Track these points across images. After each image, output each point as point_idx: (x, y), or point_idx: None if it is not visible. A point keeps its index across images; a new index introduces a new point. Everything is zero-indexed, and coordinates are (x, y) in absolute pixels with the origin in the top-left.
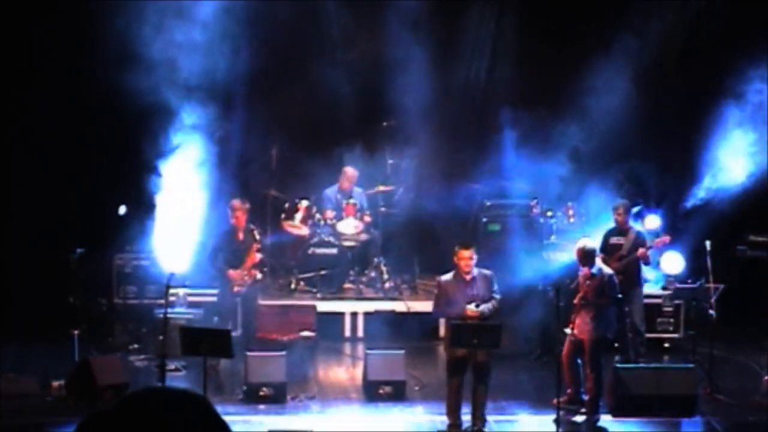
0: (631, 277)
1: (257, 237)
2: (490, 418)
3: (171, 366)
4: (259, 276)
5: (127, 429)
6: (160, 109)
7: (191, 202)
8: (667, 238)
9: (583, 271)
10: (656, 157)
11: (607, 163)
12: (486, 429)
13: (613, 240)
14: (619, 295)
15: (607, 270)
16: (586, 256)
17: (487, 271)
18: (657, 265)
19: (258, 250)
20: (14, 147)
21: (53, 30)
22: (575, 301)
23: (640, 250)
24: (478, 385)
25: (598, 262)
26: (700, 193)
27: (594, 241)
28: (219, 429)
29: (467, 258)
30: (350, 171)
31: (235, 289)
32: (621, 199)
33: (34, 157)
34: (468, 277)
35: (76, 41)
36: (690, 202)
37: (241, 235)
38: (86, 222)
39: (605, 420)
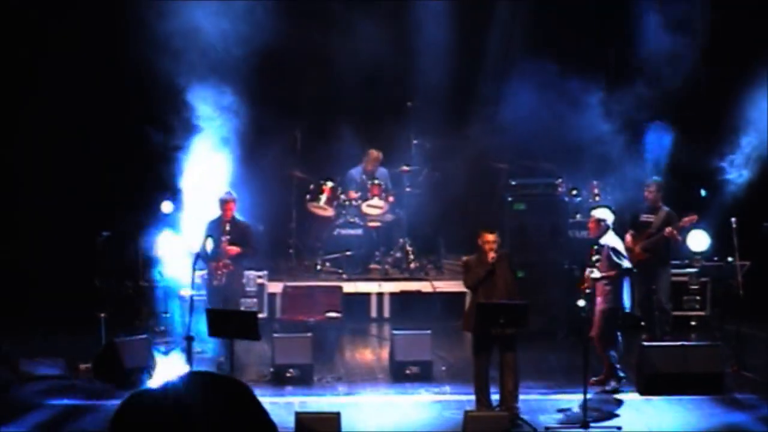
0: (659, 255)
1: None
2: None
3: (197, 349)
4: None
5: (172, 412)
6: (183, 90)
7: (215, 185)
8: (694, 217)
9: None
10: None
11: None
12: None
13: (644, 218)
14: (628, 266)
15: (610, 242)
16: (595, 227)
17: (507, 251)
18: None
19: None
20: (42, 130)
21: (73, 11)
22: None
23: (667, 229)
24: (506, 364)
25: (609, 235)
26: (732, 170)
27: (608, 213)
28: (260, 415)
29: (491, 242)
30: (374, 153)
31: (215, 282)
32: (653, 178)
33: (61, 140)
34: (491, 259)
35: (96, 22)
36: (725, 177)
37: (228, 228)
38: (113, 205)
39: (633, 398)
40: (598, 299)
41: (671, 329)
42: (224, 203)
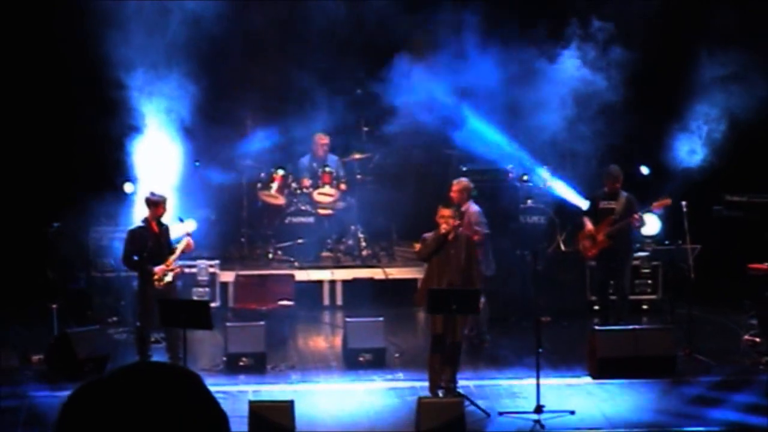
0: (624, 241)
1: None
2: (470, 383)
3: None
4: (180, 271)
5: (118, 402)
6: (135, 78)
7: (168, 173)
8: (668, 201)
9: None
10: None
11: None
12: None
13: (603, 204)
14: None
15: (474, 207)
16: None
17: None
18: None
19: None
20: None
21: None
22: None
23: (635, 216)
24: (449, 361)
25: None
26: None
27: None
28: (210, 405)
29: (446, 216)
30: (319, 136)
31: (156, 284)
32: (612, 164)
33: (9, 131)
34: (443, 231)
35: (52, 7)
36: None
37: (155, 228)
38: (63, 196)
39: (586, 383)
40: None
41: (627, 315)
42: (152, 204)
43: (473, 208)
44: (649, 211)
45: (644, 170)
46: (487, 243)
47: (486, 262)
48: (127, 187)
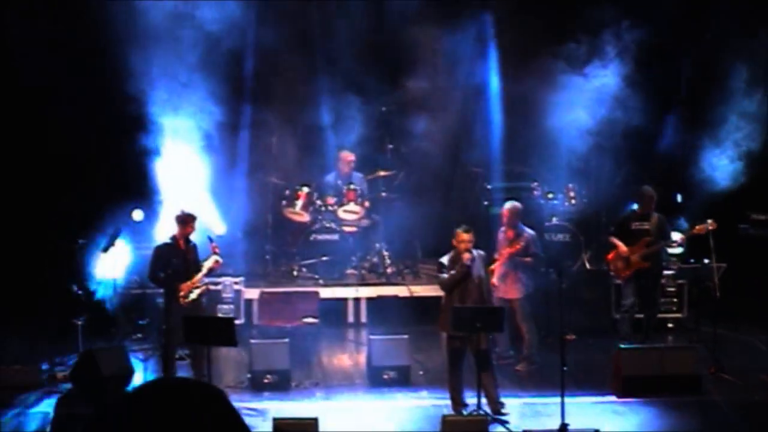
0: (657, 261)
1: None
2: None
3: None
4: (207, 289)
5: (144, 419)
6: (159, 94)
7: (195, 191)
8: (712, 225)
9: (507, 231)
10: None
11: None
12: (505, 411)
13: (636, 225)
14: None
15: (529, 231)
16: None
17: (481, 252)
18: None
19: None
20: (19, 136)
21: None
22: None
23: (676, 242)
24: (483, 372)
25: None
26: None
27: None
28: (234, 421)
29: (466, 241)
30: (345, 154)
31: (181, 301)
32: (647, 186)
33: (38, 145)
34: (466, 260)
35: (77, 22)
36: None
37: (182, 245)
38: (89, 212)
39: (611, 401)
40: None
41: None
42: (181, 222)
43: (528, 231)
44: (691, 234)
45: (678, 198)
46: (536, 265)
47: (528, 281)
48: (136, 215)
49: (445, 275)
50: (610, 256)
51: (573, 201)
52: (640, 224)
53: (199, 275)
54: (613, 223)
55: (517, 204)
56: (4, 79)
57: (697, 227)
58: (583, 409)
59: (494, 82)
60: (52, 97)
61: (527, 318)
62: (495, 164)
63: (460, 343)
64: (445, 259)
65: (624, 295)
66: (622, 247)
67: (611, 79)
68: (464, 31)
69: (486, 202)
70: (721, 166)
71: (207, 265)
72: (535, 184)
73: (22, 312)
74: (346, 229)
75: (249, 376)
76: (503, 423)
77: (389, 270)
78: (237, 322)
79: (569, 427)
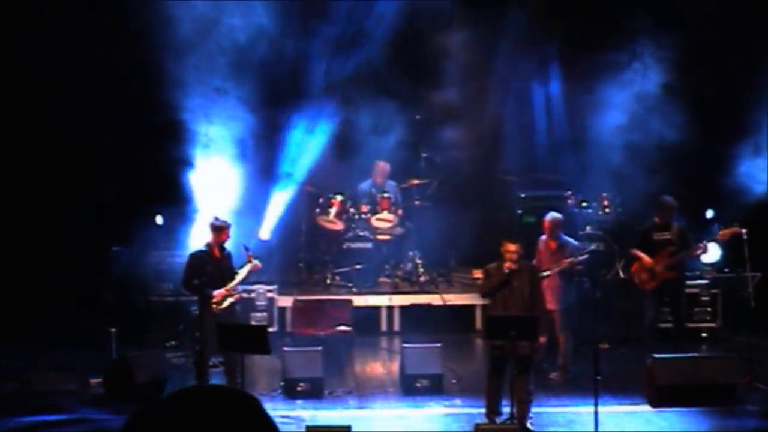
0: (682, 270)
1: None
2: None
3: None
4: (240, 297)
5: (177, 425)
6: (194, 101)
7: (229, 199)
8: (737, 229)
9: (549, 243)
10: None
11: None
12: (530, 424)
13: (657, 236)
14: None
15: (572, 241)
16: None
17: (532, 264)
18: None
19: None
20: (52, 144)
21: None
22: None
23: (701, 245)
24: (516, 377)
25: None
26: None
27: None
28: (268, 428)
29: (511, 251)
30: (382, 164)
31: (215, 308)
32: (667, 196)
33: (71, 155)
34: (506, 268)
35: (120, 31)
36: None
37: (217, 253)
38: (123, 220)
39: (644, 411)
40: (554, 298)
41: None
42: (215, 229)
43: (572, 243)
44: (715, 240)
45: (709, 213)
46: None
47: (570, 291)
48: (158, 219)
49: (485, 282)
50: (634, 268)
51: (607, 210)
52: (662, 234)
53: (233, 283)
54: (634, 236)
55: (557, 215)
56: (41, 85)
57: (721, 232)
58: (616, 418)
59: (529, 91)
60: (85, 105)
61: (566, 328)
62: (528, 173)
63: (502, 350)
64: (490, 267)
65: (646, 308)
66: (646, 258)
67: (647, 87)
68: (498, 41)
69: (519, 211)
70: (757, 174)
71: (242, 273)
72: (569, 192)
73: (55, 319)
74: (380, 237)
75: (282, 383)
76: None
77: (422, 278)
78: (270, 329)
79: None
